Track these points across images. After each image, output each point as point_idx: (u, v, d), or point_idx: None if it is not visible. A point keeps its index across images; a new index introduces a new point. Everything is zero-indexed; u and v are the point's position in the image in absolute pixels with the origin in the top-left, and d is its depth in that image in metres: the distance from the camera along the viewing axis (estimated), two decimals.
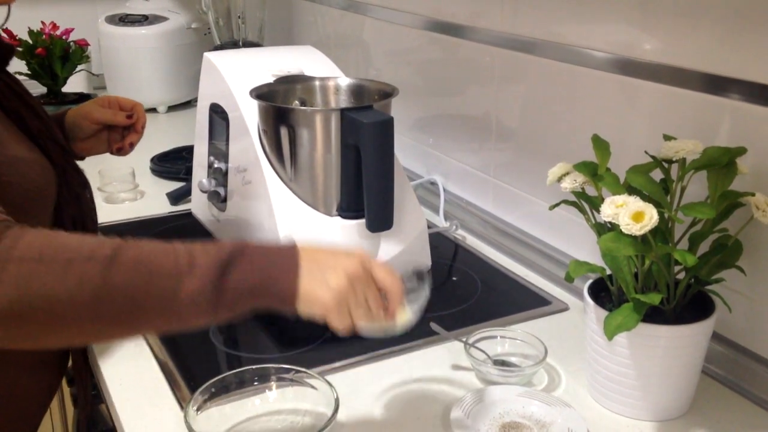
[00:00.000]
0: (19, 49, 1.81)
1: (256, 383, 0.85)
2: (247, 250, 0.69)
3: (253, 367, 0.86)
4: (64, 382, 1.09)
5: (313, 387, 0.83)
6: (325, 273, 0.69)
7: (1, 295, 0.60)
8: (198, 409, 0.79)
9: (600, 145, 0.86)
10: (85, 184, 0.96)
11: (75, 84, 2.01)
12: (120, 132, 1.14)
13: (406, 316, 0.75)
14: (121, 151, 1.14)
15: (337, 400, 0.79)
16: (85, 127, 1.10)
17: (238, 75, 1.14)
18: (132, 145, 1.14)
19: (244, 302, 0.68)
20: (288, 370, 0.85)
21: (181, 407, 0.86)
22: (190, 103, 2.13)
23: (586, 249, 1.12)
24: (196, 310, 0.66)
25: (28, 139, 0.88)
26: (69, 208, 0.89)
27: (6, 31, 1.73)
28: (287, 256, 0.70)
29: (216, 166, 1.18)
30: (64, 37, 1.87)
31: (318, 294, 0.69)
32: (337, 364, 0.94)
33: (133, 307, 0.64)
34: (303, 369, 0.85)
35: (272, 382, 0.85)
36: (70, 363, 1.02)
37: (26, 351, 0.90)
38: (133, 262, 0.65)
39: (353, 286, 0.70)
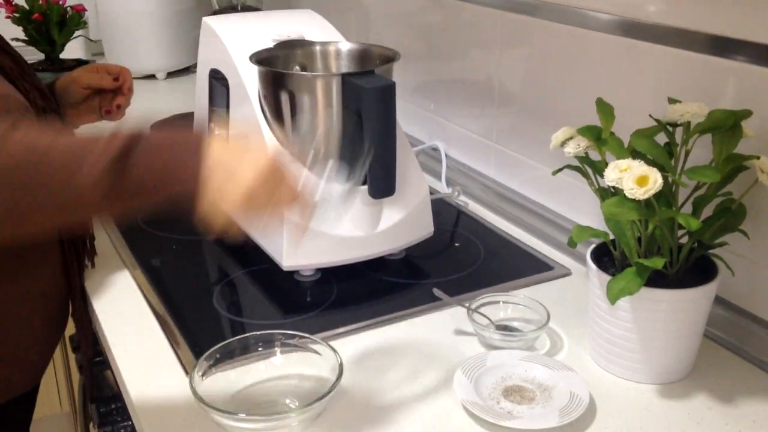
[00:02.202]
0: (16, 15, 1.79)
1: (260, 349, 0.86)
2: (151, 134, 0.65)
3: (258, 333, 0.86)
4: (69, 349, 1.10)
5: (317, 352, 0.83)
6: (233, 166, 0.66)
7: None
8: (203, 375, 0.80)
9: (604, 108, 0.86)
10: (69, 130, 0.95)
11: (73, 50, 1.99)
12: (110, 98, 1.16)
13: (325, 211, 0.72)
14: (109, 114, 1.17)
15: (341, 366, 0.79)
16: (73, 91, 1.12)
17: (237, 40, 1.13)
18: (120, 107, 1.16)
19: (144, 190, 0.64)
20: (292, 336, 0.86)
21: (186, 373, 0.87)
22: (189, 69, 2.11)
23: (588, 214, 1.11)
24: (94, 196, 0.63)
25: (6, 81, 0.88)
26: None
27: None
28: (193, 144, 0.66)
29: (217, 132, 1.17)
30: (60, 3, 1.84)
31: (226, 188, 0.65)
32: (340, 330, 0.95)
33: (25, 195, 0.61)
34: (307, 335, 0.85)
35: (276, 348, 0.86)
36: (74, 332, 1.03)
37: (30, 286, 0.91)
38: (24, 146, 0.61)
39: (265, 181, 0.67)
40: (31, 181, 0.61)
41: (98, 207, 0.64)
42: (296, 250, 1.00)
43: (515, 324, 0.95)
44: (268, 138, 1.04)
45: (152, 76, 2.08)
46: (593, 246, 0.89)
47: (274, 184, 0.68)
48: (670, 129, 0.85)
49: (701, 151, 0.84)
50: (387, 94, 0.96)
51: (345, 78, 0.98)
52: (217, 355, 0.83)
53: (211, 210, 0.67)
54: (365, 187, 1.01)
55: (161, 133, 0.67)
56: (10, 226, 0.63)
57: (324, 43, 1.13)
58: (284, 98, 1.01)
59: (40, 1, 1.81)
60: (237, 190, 0.66)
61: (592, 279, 0.86)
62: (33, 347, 0.96)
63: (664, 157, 0.80)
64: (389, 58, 1.06)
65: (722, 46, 0.87)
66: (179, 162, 0.65)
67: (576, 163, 0.88)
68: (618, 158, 0.79)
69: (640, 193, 0.74)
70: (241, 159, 0.67)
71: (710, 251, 0.84)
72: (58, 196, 0.62)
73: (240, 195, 0.66)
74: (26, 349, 0.94)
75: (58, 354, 1.70)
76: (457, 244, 1.19)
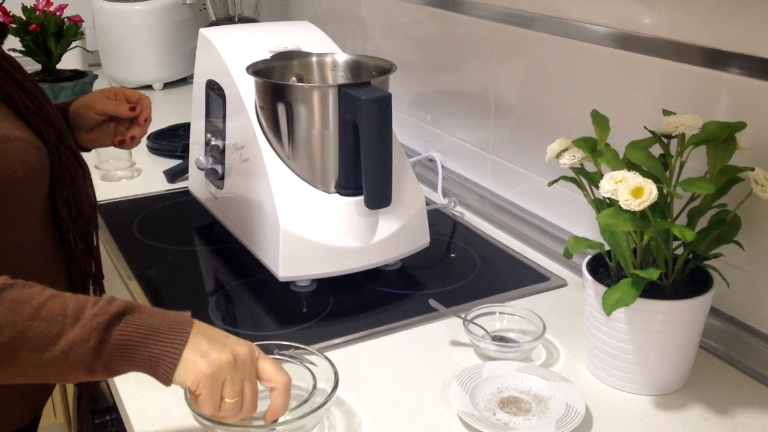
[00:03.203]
0: (13, 25, 1.79)
1: None
2: (138, 308, 0.69)
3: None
4: None
5: (312, 363, 0.83)
6: (211, 346, 0.69)
7: None
8: None
9: (599, 120, 0.86)
10: (81, 166, 0.95)
11: (70, 61, 1.99)
12: (126, 124, 1.11)
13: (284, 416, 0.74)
14: (122, 144, 1.11)
15: (336, 376, 0.79)
16: (88, 117, 1.08)
17: (234, 51, 1.13)
18: (134, 139, 1.11)
19: (123, 359, 0.67)
20: (288, 347, 0.85)
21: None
22: (186, 80, 2.12)
23: (584, 225, 1.12)
24: (74, 361, 0.65)
25: (20, 119, 0.86)
26: (64, 190, 0.89)
27: (0, 7, 1.71)
28: (178, 322, 0.69)
29: (213, 143, 1.17)
30: (57, 14, 1.84)
31: (196, 361, 0.68)
32: (336, 341, 0.95)
33: (7, 348, 0.64)
34: (303, 346, 0.85)
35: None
36: None
37: None
38: (16, 302, 0.64)
39: (235, 366, 0.69)
40: (14, 336, 0.64)
41: (72, 370, 0.67)
42: (292, 261, 1.00)
43: (511, 335, 0.95)
44: (264, 149, 1.04)
45: (149, 87, 2.08)
46: (589, 257, 0.89)
47: (246, 373, 0.70)
48: (665, 141, 0.85)
49: (696, 163, 0.84)
50: (383, 105, 0.96)
51: (341, 89, 0.98)
52: None
53: (179, 381, 0.69)
54: (361, 198, 1.01)
55: (150, 308, 0.70)
56: None
57: (320, 55, 1.14)
58: (281, 109, 1.01)
59: (37, 12, 1.82)
60: (205, 363, 0.68)
61: (588, 290, 0.86)
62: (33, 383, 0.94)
63: (659, 169, 0.80)
64: (386, 69, 1.06)
65: (717, 59, 0.88)
66: (161, 335, 0.68)
67: (571, 174, 0.88)
68: (613, 170, 0.79)
69: (636, 205, 0.74)
70: (222, 341, 0.70)
71: (705, 262, 0.84)
72: (40, 355, 0.65)
73: (207, 368, 0.68)
74: (24, 384, 0.93)
75: None
76: (453, 255, 1.19)
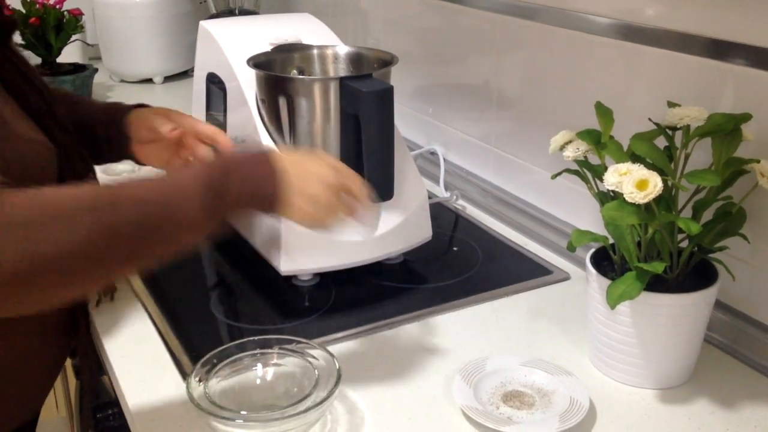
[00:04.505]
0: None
1: (258, 354, 0.85)
2: (233, 165, 0.75)
3: (255, 338, 0.85)
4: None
5: (314, 357, 0.83)
6: (303, 181, 0.76)
7: (3, 263, 0.60)
8: (200, 380, 0.79)
9: (603, 112, 0.85)
10: (88, 167, 0.94)
11: (70, 54, 1.99)
12: (187, 151, 1.03)
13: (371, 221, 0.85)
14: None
15: (339, 371, 0.79)
16: (141, 129, 1.02)
17: (235, 44, 1.12)
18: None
19: (236, 212, 0.75)
20: (290, 341, 0.85)
21: (184, 378, 0.86)
22: (186, 74, 2.11)
23: (587, 218, 1.11)
24: (197, 231, 0.72)
25: (29, 117, 0.86)
26: None
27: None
28: (268, 164, 0.76)
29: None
30: (57, 6, 1.84)
31: (297, 202, 0.76)
32: (338, 335, 0.94)
33: (141, 244, 0.69)
34: (305, 340, 0.85)
35: (274, 353, 0.85)
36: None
37: (33, 322, 0.90)
38: (134, 201, 0.68)
39: (329, 193, 0.77)
40: (145, 231, 0.69)
41: (196, 238, 0.74)
42: (294, 255, 1.00)
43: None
44: (266, 142, 1.03)
45: (149, 81, 2.07)
46: (593, 250, 0.89)
47: (338, 193, 0.79)
48: (670, 133, 0.84)
49: (701, 155, 0.83)
50: (385, 97, 0.96)
51: (343, 82, 0.98)
52: (215, 360, 0.82)
53: (285, 216, 0.78)
54: None
55: (239, 160, 0.76)
56: (129, 266, 0.73)
57: (322, 47, 1.13)
58: (282, 102, 1.01)
59: (37, 5, 1.81)
60: (305, 202, 0.76)
61: (592, 283, 0.85)
62: (31, 381, 0.94)
63: (663, 161, 0.80)
64: (387, 61, 1.05)
65: (721, 50, 0.87)
66: (263, 184, 0.75)
67: (575, 167, 0.88)
68: (617, 162, 0.79)
69: (640, 197, 0.74)
70: (309, 171, 0.78)
71: (710, 255, 0.84)
72: (169, 238, 0.71)
73: (309, 207, 0.77)
74: (24, 383, 0.92)
75: None
76: (455, 249, 1.19)
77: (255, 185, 0.75)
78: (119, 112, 1.04)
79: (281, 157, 0.77)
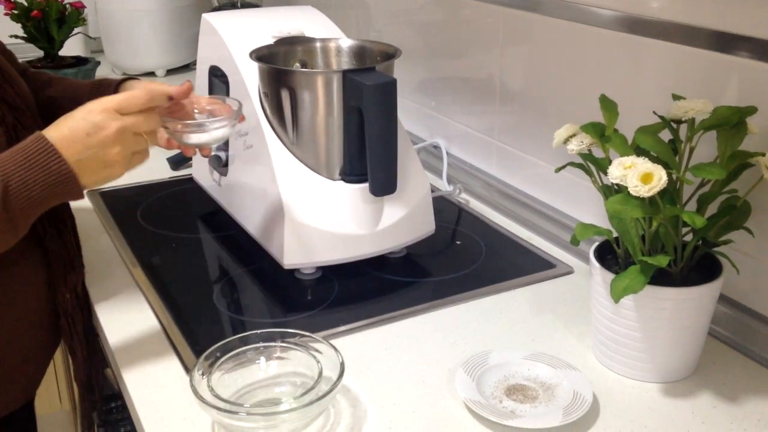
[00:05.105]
0: (15, 11, 1.78)
1: (261, 347, 0.85)
2: (9, 175, 0.73)
3: (258, 331, 0.85)
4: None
5: (318, 351, 0.83)
6: (95, 152, 0.75)
7: None
8: (203, 374, 0.79)
9: (608, 105, 0.85)
10: None
11: (72, 47, 1.99)
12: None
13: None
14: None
15: (342, 364, 0.79)
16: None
17: (237, 37, 1.12)
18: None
19: (35, 211, 0.75)
20: (293, 335, 0.85)
21: (187, 371, 0.86)
22: (189, 67, 2.11)
23: (591, 212, 1.11)
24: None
25: None
26: None
27: None
28: (44, 157, 0.74)
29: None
30: (59, 0, 1.83)
31: (91, 178, 0.76)
32: (341, 328, 0.94)
33: None
34: (308, 333, 0.85)
35: (277, 347, 0.85)
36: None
37: (19, 308, 0.90)
38: None
39: (116, 148, 0.76)
40: None
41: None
42: (297, 249, 1.00)
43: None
44: (268, 136, 1.03)
45: (152, 73, 2.07)
46: (596, 244, 0.88)
47: (132, 136, 0.78)
48: (674, 126, 0.84)
49: (706, 148, 0.83)
50: (388, 91, 0.95)
51: (346, 75, 0.97)
52: (218, 354, 0.82)
53: (91, 186, 0.77)
54: (366, 185, 1.00)
55: (11, 164, 0.74)
56: None
57: (324, 40, 1.13)
58: (285, 95, 1.00)
59: None
60: (108, 170, 0.76)
61: (596, 277, 0.85)
62: (22, 367, 0.94)
63: (668, 154, 0.79)
64: (390, 55, 1.05)
65: (726, 42, 0.87)
66: (51, 179, 0.74)
67: (579, 160, 0.88)
68: (622, 155, 0.78)
69: (645, 191, 0.73)
70: (93, 138, 0.75)
71: (715, 249, 0.83)
72: None
73: (117, 170, 0.77)
74: (14, 369, 0.92)
75: (58, 353, 1.69)
76: (458, 242, 1.19)
77: (41, 188, 0.74)
78: (107, 85, 1.03)
79: (54, 139, 0.75)
